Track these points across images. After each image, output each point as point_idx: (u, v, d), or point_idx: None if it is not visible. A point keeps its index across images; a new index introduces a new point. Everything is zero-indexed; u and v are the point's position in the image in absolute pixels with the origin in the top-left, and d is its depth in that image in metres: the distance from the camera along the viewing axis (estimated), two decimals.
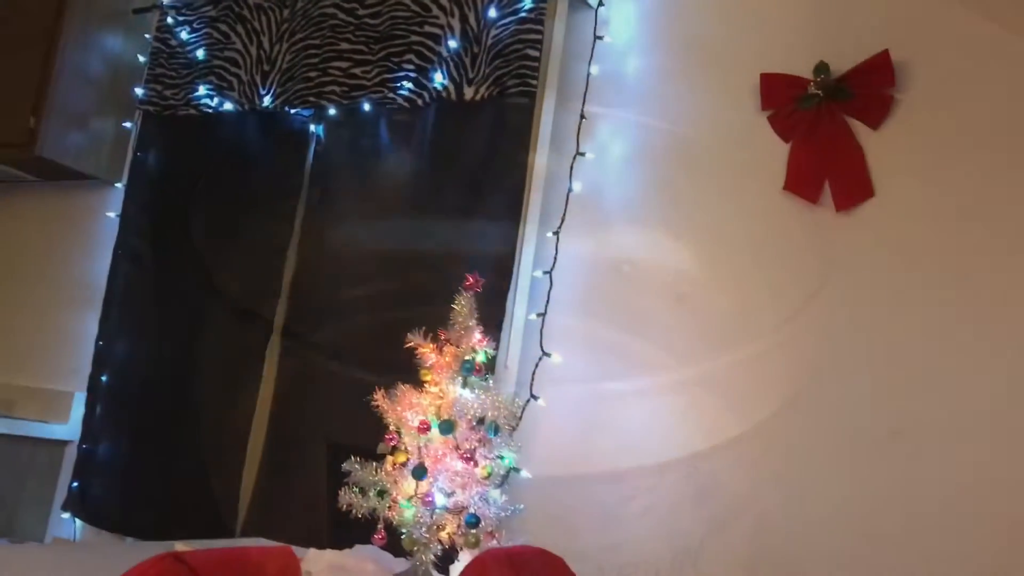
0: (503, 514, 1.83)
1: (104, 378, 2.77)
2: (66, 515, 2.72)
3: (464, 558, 1.78)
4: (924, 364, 1.93)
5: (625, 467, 2.20)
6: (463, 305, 1.91)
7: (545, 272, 2.31)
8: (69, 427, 2.82)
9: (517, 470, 1.96)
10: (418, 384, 1.88)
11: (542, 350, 2.27)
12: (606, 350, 2.25)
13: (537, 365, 2.26)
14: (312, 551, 1.88)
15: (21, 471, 2.75)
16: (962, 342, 1.91)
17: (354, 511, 1.79)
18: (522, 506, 1.90)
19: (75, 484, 2.72)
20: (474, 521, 1.78)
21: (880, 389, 1.97)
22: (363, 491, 1.81)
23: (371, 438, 1.95)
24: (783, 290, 2.10)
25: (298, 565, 1.07)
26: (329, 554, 1.84)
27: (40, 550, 2.05)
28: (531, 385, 2.25)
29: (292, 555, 1.05)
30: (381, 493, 1.81)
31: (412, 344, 1.88)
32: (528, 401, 2.23)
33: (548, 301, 2.29)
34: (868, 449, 1.95)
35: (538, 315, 2.28)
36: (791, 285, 2.09)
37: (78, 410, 2.81)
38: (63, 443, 2.83)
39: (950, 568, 1.84)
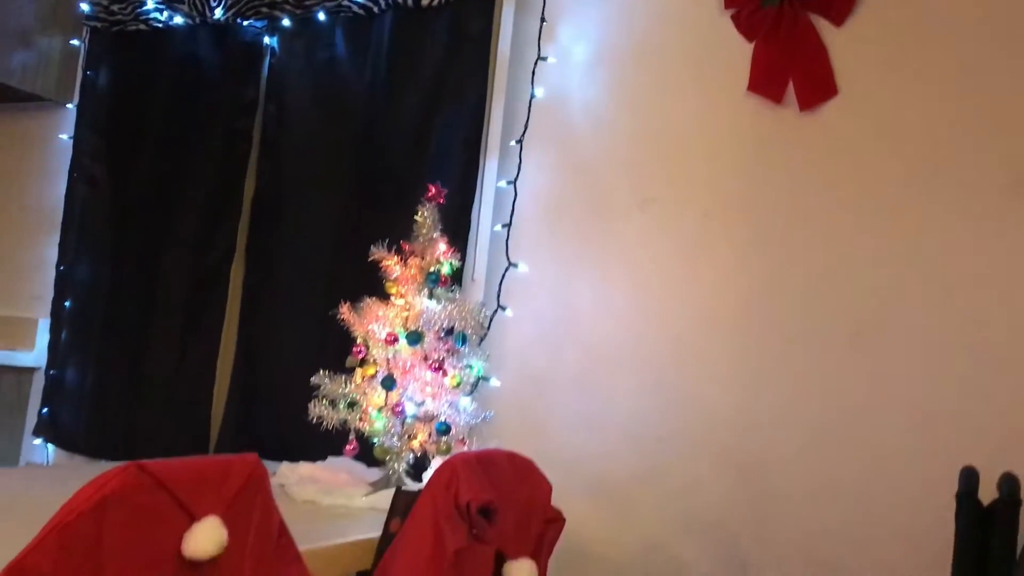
0: (473, 421, 1.86)
1: (67, 304, 2.73)
2: (38, 441, 2.72)
3: (436, 465, 1.81)
4: (888, 266, 1.95)
5: (592, 374, 2.22)
6: (426, 216, 1.89)
7: (509, 182, 2.28)
8: (35, 354, 2.80)
9: (486, 378, 1.98)
10: (384, 297, 1.88)
11: (508, 261, 2.26)
12: (573, 259, 2.24)
13: (504, 276, 2.26)
14: (285, 464, 1.90)
15: None
16: (927, 244, 1.92)
17: (325, 423, 1.81)
18: (492, 413, 1.93)
19: (45, 410, 2.71)
20: (445, 428, 1.80)
21: (843, 292, 1.98)
22: (333, 403, 1.82)
23: (339, 353, 1.95)
24: (748, 192, 2.10)
25: (265, 472, 1.07)
26: (303, 466, 1.86)
27: (12, 473, 2.05)
28: (498, 296, 2.25)
29: (258, 462, 1.06)
30: (351, 405, 1.82)
31: (376, 257, 1.87)
32: (496, 311, 2.24)
33: (513, 211, 2.28)
34: (829, 351, 1.98)
35: (503, 226, 2.27)
36: (755, 187, 2.09)
37: (43, 337, 2.78)
38: (30, 370, 2.81)
39: (908, 469, 1.89)
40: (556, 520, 1.58)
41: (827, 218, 2.01)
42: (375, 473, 1.89)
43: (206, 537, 0.95)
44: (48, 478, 1.76)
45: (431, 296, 1.87)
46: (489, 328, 2.22)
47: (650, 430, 2.15)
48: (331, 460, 1.94)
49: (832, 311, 2.00)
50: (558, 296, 2.26)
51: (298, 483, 1.76)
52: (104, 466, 0.90)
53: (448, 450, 1.79)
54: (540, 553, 1.53)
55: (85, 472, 0.89)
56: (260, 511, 1.06)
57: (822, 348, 2.00)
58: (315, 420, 1.81)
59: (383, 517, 1.46)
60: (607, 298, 2.22)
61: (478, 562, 1.36)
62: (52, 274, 2.77)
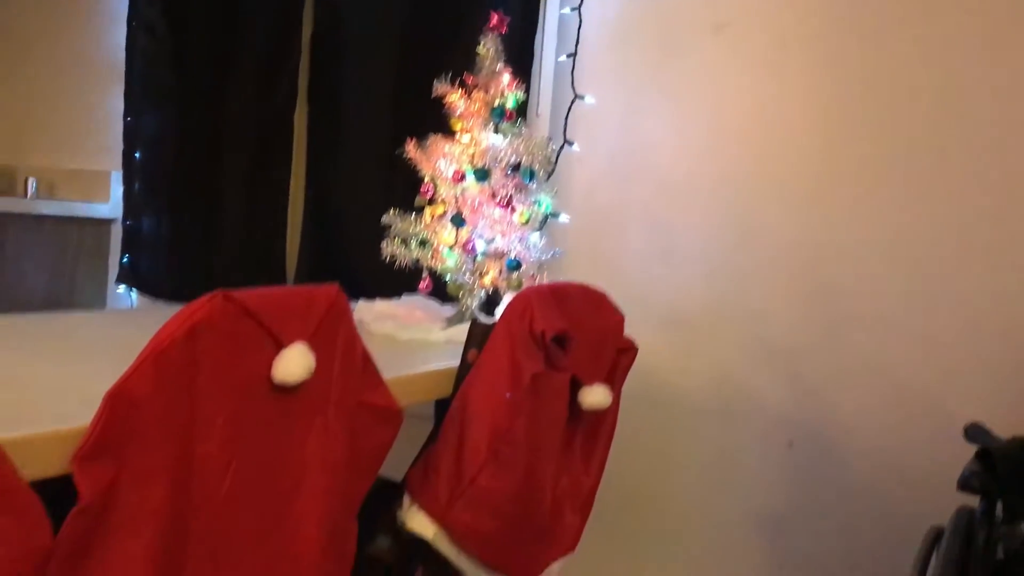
0: (543, 257, 1.86)
1: (137, 154, 2.77)
2: (121, 288, 2.82)
3: (508, 300, 1.83)
4: (965, 91, 1.85)
5: (663, 206, 2.19)
6: (488, 48, 1.84)
7: (573, 8, 2.19)
8: (111, 205, 2.87)
9: (555, 215, 1.97)
10: (449, 133, 1.86)
11: (574, 92, 2.20)
12: (642, 89, 2.18)
13: (570, 109, 2.21)
14: (362, 302, 1.94)
15: (73, 251, 2.82)
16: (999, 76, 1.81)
17: (398, 262, 1.83)
18: (562, 249, 1.92)
19: (125, 258, 2.79)
20: (515, 265, 1.80)
21: (922, 116, 1.90)
22: (405, 242, 1.84)
23: (407, 192, 1.95)
24: (824, 15, 1.98)
25: (346, 301, 1.09)
26: (379, 304, 1.90)
27: (101, 316, 2.14)
28: (564, 130, 2.20)
29: (340, 291, 1.07)
30: (423, 243, 1.83)
31: (439, 92, 1.84)
32: (563, 145, 2.20)
33: (578, 40, 2.20)
34: (908, 175, 1.92)
35: (568, 56, 2.20)
36: (832, 9, 1.98)
37: (117, 188, 2.83)
38: (108, 221, 2.88)
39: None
40: (629, 349, 1.60)
41: (903, 42, 1.90)
42: (448, 309, 1.92)
43: (295, 362, 0.98)
44: (134, 319, 1.83)
45: (497, 131, 1.84)
46: (556, 163, 2.19)
47: (722, 259, 2.13)
48: (406, 298, 1.98)
49: (910, 135, 1.92)
50: (627, 128, 2.21)
51: (376, 319, 1.80)
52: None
53: (519, 286, 1.81)
54: (614, 380, 1.55)
55: (168, 313, 0.91)
56: (343, 339, 1.09)
57: (903, 172, 1.93)
58: (388, 259, 1.83)
59: (459, 349, 1.48)
60: (678, 128, 2.16)
61: (554, 387, 1.39)
62: (120, 125, 2.79)
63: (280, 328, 0.98)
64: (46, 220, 2.76)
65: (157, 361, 0.85)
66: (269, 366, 0.98)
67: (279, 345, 0.98)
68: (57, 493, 0.81)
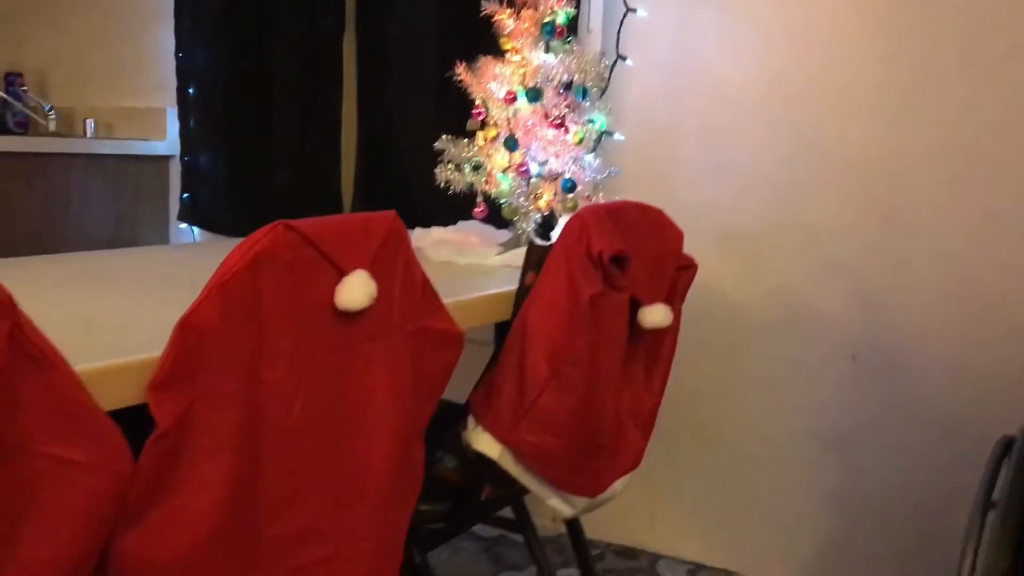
0: (599, 177, 1.84)
1: (191, 90, 2.78)
2: (183, 225, 2.87)
3: (564, 223, 1.82)
4: None
5: (719, 121, 2.14)
6: None
7: None
8: (168, 142, 2.90)
9: (609, 133, 1.94)
10: (499, 54, 1.83)
11: (626, 6, 2.14)
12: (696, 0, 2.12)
13: (622, 23, 2.15)
14: (418, 230, 1.95)
15: (134, 189, 2.87)
16: None
17: (452, 188, 1.82)
18: (617, 168, 1.90)
19: (185, 195, 2.83)
20: (570, 186, 1.79)
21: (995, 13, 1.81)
22: (458, 167, 1.83)
23: (459, 116, 1.94)
24: None
25: (403, 227, 1.09)
26: (435, 231, 1.90)
27: (164, 250, 2.19)
28: (617, 44, 2.15)
29: (396, 218, 1.08)
30: (476, 168, 1.82)
31: (488, 11, 1.81)
32: (615, 62, 2.15)
33: None
34: (980, 77, 1.84)
35: None
36: None
37: (173, 125, 2.86)
38: (166, 158, 2.92)
39: None
40: (688, 267, 1.59)
41: None
42: (504, 234, 1.92)
43: (357, 289, 0.99)
44: (197, 253, 1.86)
45: (547, 49, 1.80)
46: (609, 80, 2.15)
47: (780, 172, 2.09)
48: (461, 224, 1.98)
49: (976, 36, 1.84)
50: (681, 41, 2.15)
51: (432, 246, 1.80)
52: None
53: (575, 207, 1.79)
54: (673, 299, 1.54)
55: (230, 247, 0.93)
56: (402, 265, 1.09)
57: (966, 75, 1.86)
58: (442, 185, 1.83)
59: (517, 273, 1.49)
60: (732, 38, 2.10)
61: (613, 308, 1.39)
62: (172, 62, 2.80)
63: (341, 256, 0.99)
64: (106, 159, 2.80)
65: (222, 291, 0.87)
66: (331, 294, 0.99)
67: (340, 273, 0.99)
68: (133, 422, 0.84)
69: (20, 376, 0.72)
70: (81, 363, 0.79)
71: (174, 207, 2.91)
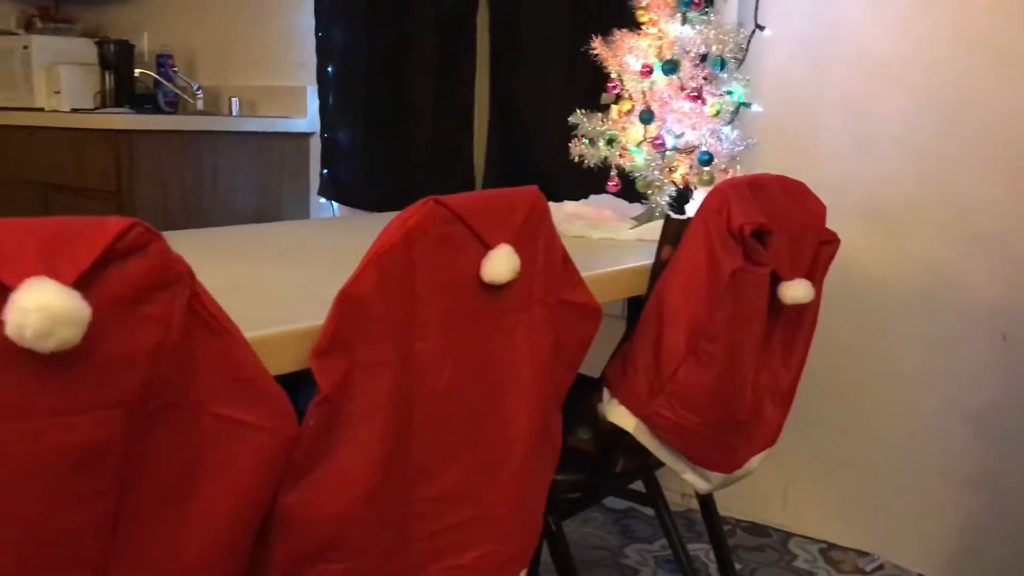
0: (736, 149, 1.81)
1: (330, 69, 2.87)
2: (323, 200, 2.97)
3: (699, 196, 1.80)
4: None
5: (862, 91, 2.07)
6: None
7: None
8: (308, 119, 3.01)
9: (747, 104, 1.90)
10: (635, 27, 1.82)
11: None
12: None
13: None
14: (551, 204, 1.96)
15: (277, 165, 2.99)
16: None
17: (586, 162, 1.83)
18: (755, 140, 1.86)
19: (325, 171, 2.94)
20: (707, 159, 1.77)
21: None
22: (592, 141, 1.83)
23: (591, 90, 1.93)
24: None
25: (545, 202, 1.11)
26: (568, 205, 1.92)
27: (308, 223, 2.28)
28: (755, 14, 2.10)
29: (539, 193, 1.09)
30: (610, 141, 1.82)
31: None
32: (753, 32, 2.10)
33: None
34: None
35: None
36: None
37: (313, 103, 2.96)
38: (307, 135, 3.03)
39: None
40: (830, 242, 1.55)
41: None
42: (637, 208, 1.91)
43: (502, 263, 1.01)
44: (339, 227, 1.93)
45: (684, 21, 1.78)
46: (747, 50, 2.10)
47: (928, 143, 2.01)
48: (593, 198, 1.99)
49: None
50: (821, 8, 2.09)
51: (566, 220, 1.81)
52: (385, 217, 0.97)
53: (711, 180, 1.77)
54: (815, 274, 1.51)
55: (370, 221, 0.96)
56: (544, 239, 1.11)
57: None
58: (576, 159, 1.83)
59: (651, 247, 1.48)
60: (879, 4, 2.02)
61: (753, 283, 1.37)
62: (312, 41, 2.89)
63: (486, 230, 1.01)
64: (250, 136, 2.93)
65: (379, 264, 0.91)
66: (478, 267, 1.02)
67: (486, 247, 1.02)
68: (288, 388, 0.88)
69: (197, 342, 0.77)
70: (247, 331, 0.84)
71: (314, 183, 3.02)
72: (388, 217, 0.96)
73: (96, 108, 3.14)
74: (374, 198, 2.78)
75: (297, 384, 0.91)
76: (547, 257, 1.12)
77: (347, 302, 0.89)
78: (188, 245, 0.79)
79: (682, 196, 1.88)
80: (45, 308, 0.63)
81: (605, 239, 1.76)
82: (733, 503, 2.32)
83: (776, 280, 1.43)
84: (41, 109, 3.14)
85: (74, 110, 3.07)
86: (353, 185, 2.87)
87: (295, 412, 0.86)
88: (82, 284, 0.66)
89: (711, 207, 1.34)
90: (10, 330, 0.63)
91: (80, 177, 2.76)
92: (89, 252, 0.67)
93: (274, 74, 3.12)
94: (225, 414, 0.80)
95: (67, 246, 0.66)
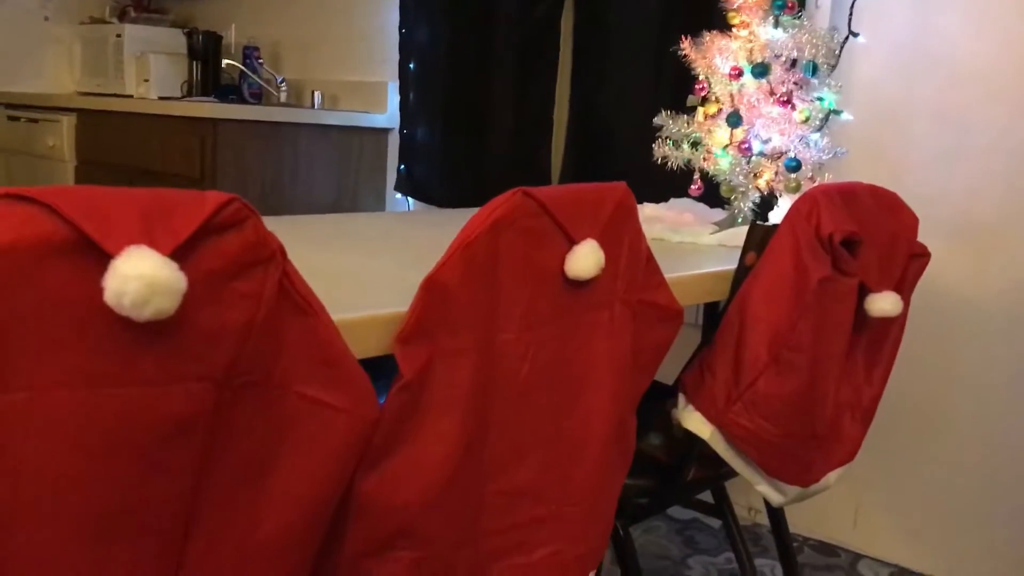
0: (824, 157, 1.76)
1: (411, 65, 2.89)
2: (398, 195, 2.99)
3: (784, 204, 1.76)
4: None
5: (956, 103, 2.01)
6: None
7: None
8: (388, 115, 3.03)
9: (837, 112, 1.85)
10: (725, 28, 1.78)
11: None
12: None
13: None
14: None
15: (355, 159, 3.02)
16: None
17: (669, 163, 1.80)
18: (844, 149, 1.81)
19: (402, 167, 2.96)
20: (794, 165, 1.73)
21: None
22: (676, 144, 1.81)
23: (674, 92, 1.91)
24: None
25: (633, 199, 1.09)
26: (647, 207, 1.89)
27: (384, 216, 2.29)
28: (849, 20, 2.05)
29: (627, 190, 1.08)
30: (695, 144, 1.79)
31: None
32: (847, 38, 2.05)
33: None
34: None
35: None
36: None
37: (393, 98, 2.99)
38: (386, 131, 3.06)
39: None
40: (921, 255, 1.50)
41: None
42: (719, 212, 1.88)
43: (587, 258, 1.00)
44: (416, 220, 1.94)
45: (776, 24, 1.74)
46: (839, 56, 2.05)
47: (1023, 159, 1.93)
48: (674, 201, 1.96)
49: None
50: (919, 16, 2.03)
51: (645, 222, 1.78)
52: (461, 214, 0.96)
53: (797, 188, 1.73)
54: (903, 288, 1.46)
55: (447, 216, 0.96)
56: (630, 237, 1.09)
57: None
58: (659, 161, 1.81)
59: (733, 253, 1.45)
60: (979, 16, 1.95)
61: (841, 293, 1.34)
62: (396, 38, 2.92)
63: (572, 225, 1.00)
64: (331, 130, 2.96)
65: (465, 252, 0.90)
66: (562, 261, 1.00)
67: (571, 241, 1.00)
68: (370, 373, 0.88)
69: (286, 321, 0.78)
70: (332, 314, 0.84)
71: (391, 178, 3.04)
72: (465, 213, 0.96)
73: (183, 97, 3.22)
74: (449, 195, 2.79)
75: (379, 370, 0.91)
76: (632, 255, 1.10)
77: (433, 289, 0.89)
78: (272, 230, 0.80)
79: (766, 203, 1.84)
80: (144, 277, 0.64)
81: (685, 243, 1.73)
82: (802, 520, 2.26)
83: (863, 291, 1.38)
84: (131, 96, 3.23)
85: (162, 98, 3.15)
86: (429, 182, 2.88)
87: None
88: (179, 255, 0.67)
89: (800, 212, 1.31)
90: (109, 297, 0.63)
91: (166, 163, 2.83)
92: (188, 224, 0.68)
93: (356, 69, 3.16)
94: (309, 394, 0.80)
95: (167, 217, 0.67)
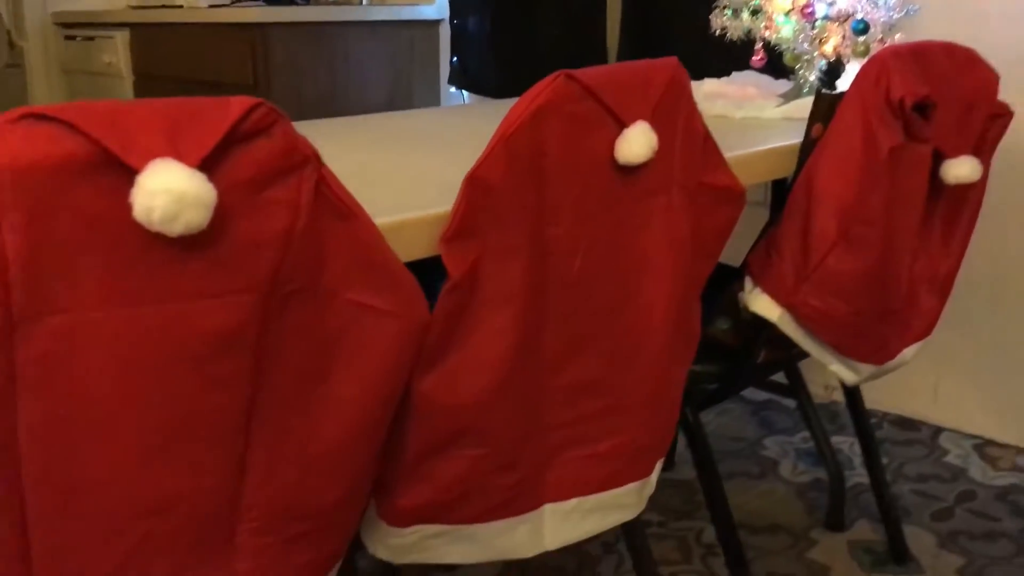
0: (894, 17, 1.65)
1: None
2: (453, 89, 2.93)
3: (852, 70, 1.67)
4: None
5: None
6: None
7: None
8: (437, 7, 2.95)
9: None
10: None
11: None
12: None
13: None
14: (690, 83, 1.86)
15: (406, 54, 2.96)
16: None
17: (728, 35, 1.71)
18: (916, 6, 1.69)
19: (454, 59, 2.89)
20: (862, 27, 1.62)
21: None
22: (736, 13, 1.71)
23: None
24: None
25: (685, 75, 1.03)
26: (708, 83, 1.81)
27: (438, 111, 2.25)
28: None
29: (678, 65, 1.02)
30: (755, 12, 1.69)
31: None
32: None
33: None
34: None
35: None
36: None
37: None
38: (436, 22, 2.98)
39: None
40: (1002, 115, 1.40)
41: None
42: (784, 84, 1.79)
43: (638, 141, 0.95)
44: (470, 114, 1.90)
45: None
46: None
47: None
48: (735, 75, 1.87)
49: None
50: None
51: (705, 99, 1.71)
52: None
53: (866, 51, 1.62)
54: (982, 151, 1.38)
55: (500, 108, 0.91)
56: (684, 116, 1.04)
57: None
58: (717, 32, 1.72)
59: (799, 126, 1.38)
60: None
61: (914, 161, 1.26)
62: None
63: (621, 107, 0.95)
64: (381, 26, 2.90)
65: (507, 145, 0.87)
66: (611, 147, 0.96)
67: (621, 125, 0.96)
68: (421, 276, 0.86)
69: (326, 226, 0.76)
70: (376, 217, 0.82)
71: (444, 71, 2.97)
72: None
73: (232, 3, 3.17)
74: (503, 86, 2.72)
75: (429, 272, 0.89)
76: (687, 136, 1.05)
77: (475, 185, 0.86)
78: (318, 133, 0.77)
79: (833, 70, 1.74)
80: (172, 191, 0.62)
81: (749, 118, 1.65)
82: (880, 396, 2.22)
83: (938, 158, 1.31)
84: (181, 7, 3.20)
85: (211, 6, 3.11)
86: (483, 73, 2.81)
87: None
88: (207, 166, 0.65)
89: (868, 77, 1.23)
90: (138, 213, 0.62)
91: (220, 72, 2.81)
92: (213, 133, 0.65)
93: None
94: (357, 299, 0.79)
95: (190, 127, 0.65)
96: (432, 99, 3.03)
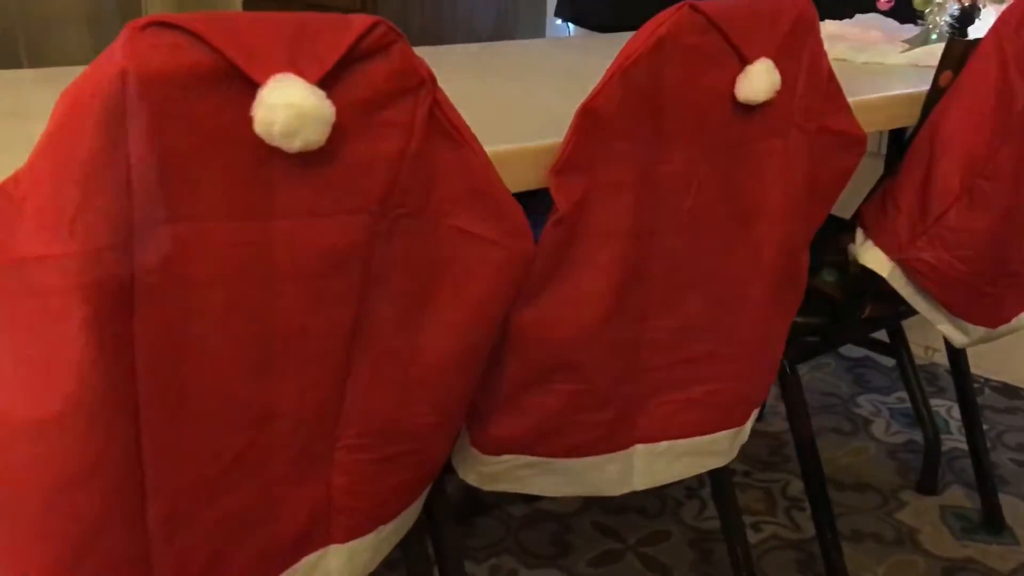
0: None
1: None
2: (559, 21, 2.87)
3: (988, 16, 1.57)
4: None
5: None
6: None
7: None
8: None
9: None
10: None
11: None
12: None
13: None
14: None
15: None
16: None
17: None
18: None
19: None
20: None
21: None
22: None
23: None
24: None
25: (814, 12, 0.98)
26: (829, 24, 1.73)
27: (546, 43, 2.21)
28: None
29: (808, 1, 0.97)
30: None
31: None
32: None
33: None
34: None
35: None
36: None
37: None
38: None
39: None
40: None
41: None
42: (910, 28, 1.70)
43: (760, 80, 0.91)
44: (576, 46, 1.86)
45: None
46: None
47: None
48: (859, 17, 1.78)
49: None
50: None
51: (827, 41, 1.63)
52: (624, 38, 0.88)
53: None
54: None
55: (607, 40, 0.88)
56: (809, 56, 0.99)
57: None
58: None
59: (925, 74, 1.31)
60: None
61: None
62: None
63: (745, 43, 0.91)
64: None
65: (624, 76, 0.84)
66: (732, 84, 0.92)
67: (743, 61, 0.92)
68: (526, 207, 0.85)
69: (437, 151, 0.75)
70: (485, 146, 0.81)
71: (551, 2, 2.91)
72: (625, 38, 0.88)
73: None
74: (610, 19, 2.64)
75: (535, 203, 0.88)
76: (810, 77, 1.00)
77: (588, 117, 0.84)
78: (426, 60, 0.76)
79: (966, 15, 1.64)
80: (293, 106, 0.62)
81: (871, 63, 1.57)
82: (985, 360, 2.14)
83: None
84: None
85: None
86: (590, 5, 2.74)
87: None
88: (326, 84, 0.64)
89: (1009, 24, 1.15)
90: (258, 126, 0.62)
91: None
92: (333, 50, 0.65)
93: None
94: (463, 227, 0.78)
95: (312, 43, 0.64)
96: (537, 31, 2.98)
